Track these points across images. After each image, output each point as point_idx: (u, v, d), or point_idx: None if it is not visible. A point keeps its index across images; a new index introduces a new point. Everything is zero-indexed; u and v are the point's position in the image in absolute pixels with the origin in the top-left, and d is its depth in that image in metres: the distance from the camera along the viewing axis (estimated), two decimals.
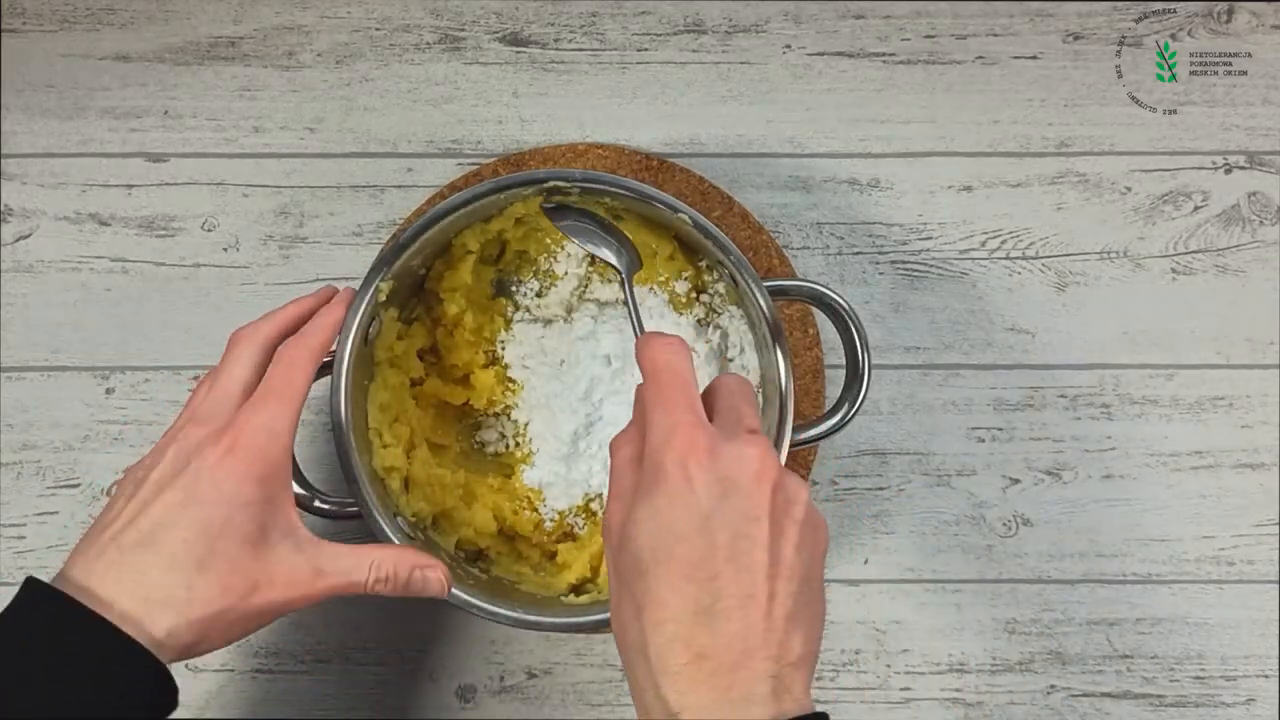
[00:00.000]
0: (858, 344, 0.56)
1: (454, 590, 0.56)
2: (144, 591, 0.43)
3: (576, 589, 0.61)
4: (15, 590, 0.44)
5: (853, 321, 0.56)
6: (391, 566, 0.50)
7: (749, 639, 0.40)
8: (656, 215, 0.58)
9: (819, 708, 0.42)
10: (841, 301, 0.56)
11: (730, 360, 0.63)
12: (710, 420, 0.44)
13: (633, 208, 0.58)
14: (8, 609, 0.43)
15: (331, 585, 0.48)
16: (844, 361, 0.56)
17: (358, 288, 0.57)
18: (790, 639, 0.41)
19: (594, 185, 0.56)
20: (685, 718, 0.40)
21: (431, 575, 0.51)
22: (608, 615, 0.56)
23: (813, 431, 0.56)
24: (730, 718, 0.39)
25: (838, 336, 0.60)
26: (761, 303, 0.55)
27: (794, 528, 0.42)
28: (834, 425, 0.56)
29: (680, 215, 0.55)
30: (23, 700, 0.41)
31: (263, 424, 0.47)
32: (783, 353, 0.55)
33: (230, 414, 0.48)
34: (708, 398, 0.46)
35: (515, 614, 0.57)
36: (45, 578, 0.44)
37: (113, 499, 0.47)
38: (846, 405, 0.56)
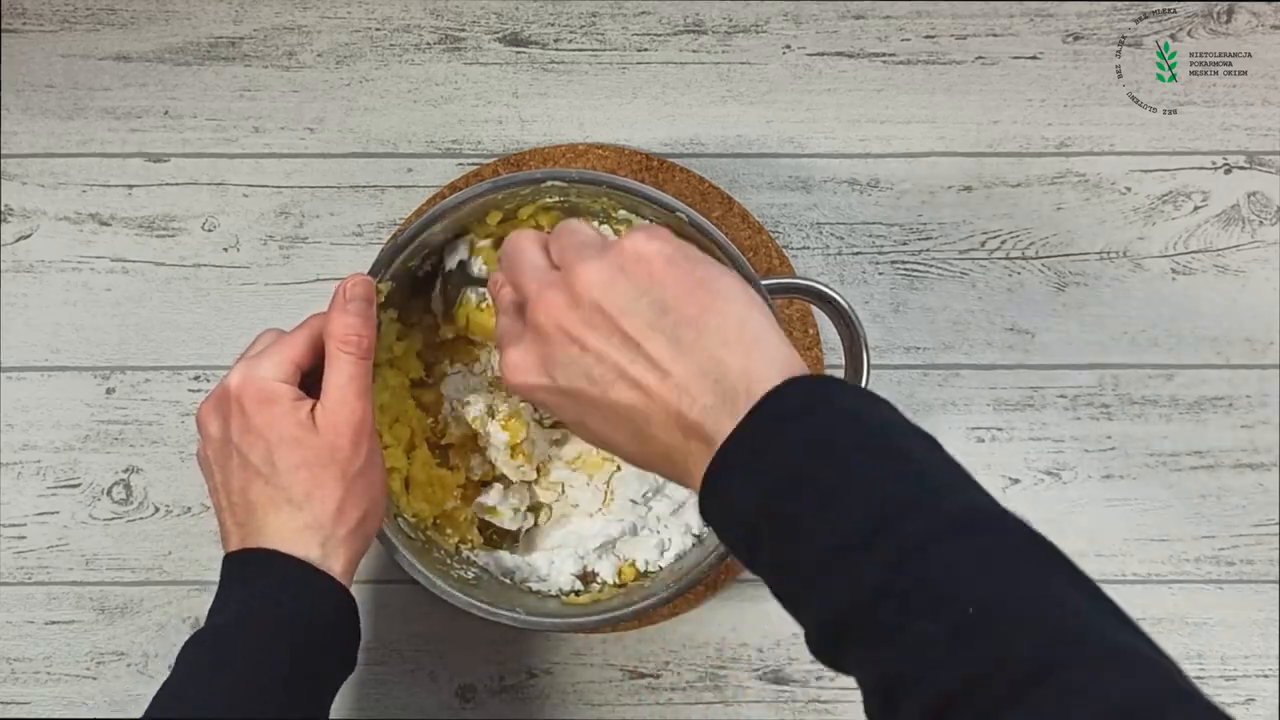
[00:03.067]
0: (857, 342, 0.56)
1: (454, 591, 0.57)
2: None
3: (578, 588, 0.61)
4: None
5: (852, 320, 0.56)
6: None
7: (672, 411, 0.41)
8: (653, 215, 0.58)
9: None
10: (841, 300, 0.56)
11: None
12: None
13: (631, 208, 0.58)
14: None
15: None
16: (844, 362, 0.56)
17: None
18: (698, 362, 0.41)
19: (591, 185, 0.56)
20: (699, 487, 0.41)
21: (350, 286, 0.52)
22: (608, 615, 0.57)
23: None
24: (713, 458, 0.40)
25: (838, 336, 0.60)
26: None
27: (609, 305, 0.42)
28: None
29: (678, 214, 0.55)
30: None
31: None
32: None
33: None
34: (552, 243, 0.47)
35: (515, 614, 0.57)
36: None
37: None
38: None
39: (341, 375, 0.50)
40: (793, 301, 0.65)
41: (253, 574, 0.50)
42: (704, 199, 0.65)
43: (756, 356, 0.41)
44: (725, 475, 0.39)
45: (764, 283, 0.55)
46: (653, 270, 0.42)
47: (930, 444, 0.40)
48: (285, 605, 0.48)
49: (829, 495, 0.37)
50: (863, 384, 0.56)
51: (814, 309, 0.66)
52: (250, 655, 0.47)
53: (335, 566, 0.50)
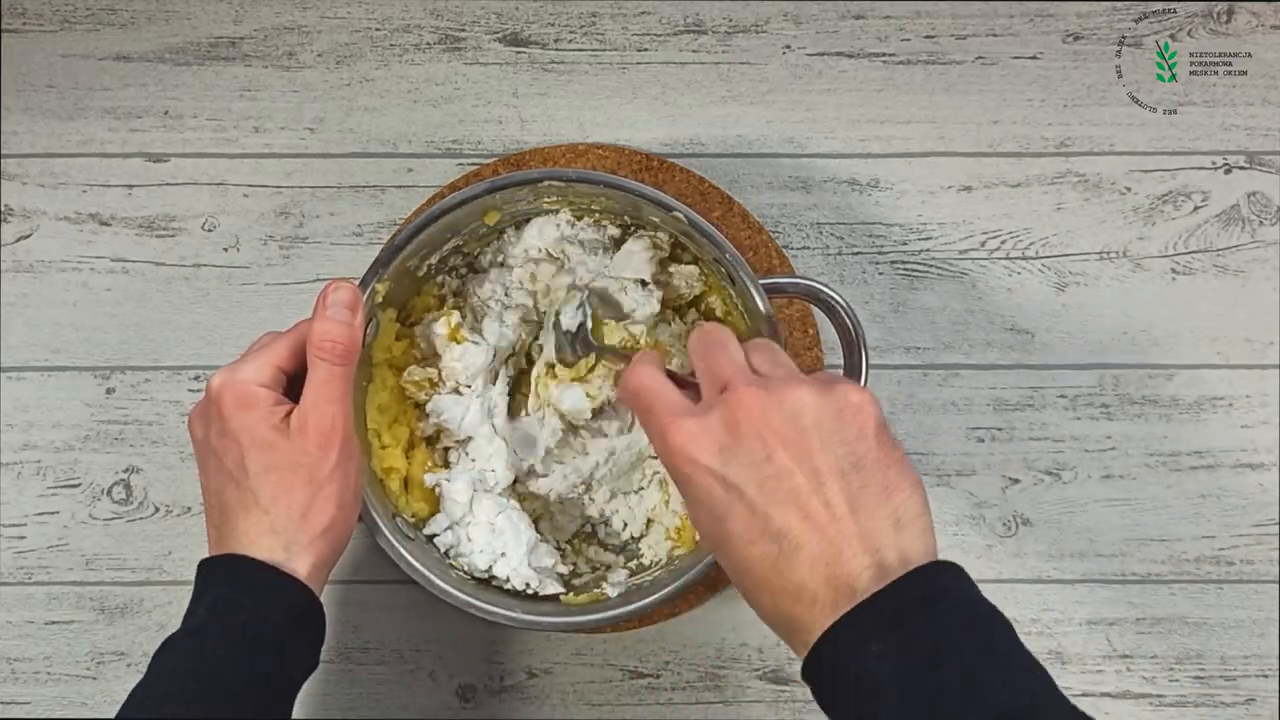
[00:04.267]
0: (855, 342, 0.56)
1: (453, 590, 0.57)
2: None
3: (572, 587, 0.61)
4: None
5: (850, 319, 0.56)
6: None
7: (827, 553, 0.42)
8: (653, 215, 0.58)
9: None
10: (839, 299, 0.55)
11: None
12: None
13: (627, 208, 0.58)
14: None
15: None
16: (843, 362, 0.56)
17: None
18: (869, 525, 0.42)
19: (590, 184, 0.56)
20: (815, 637, 0.41)
21: (334, 294, 0.52)
22: (607, 615, 0.57)
23: None
24: (845, 612, 0.41)
25: (837, 336, 0.60)
26: (759, 302, 0.55)
27: (810, 436, 0.43)
28: None
29: (675, 214, 0.55)
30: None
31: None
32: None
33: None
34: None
35: (514, 614, 0.57)
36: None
37: None
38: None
39: (316, 380, 0.51)
40: (792, 301, 0.65)
41: (219, 578, 0.50)
42: (704, 199, 0.65)
43: (915, 544, 0.42)
44: (863, 631, 0.40)
45: (762, 282, 0.55)
46: (865, 429, 0.44)
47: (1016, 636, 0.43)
48: (245, 608, 0.49)
49: (968, 680, 0.39)
50: (861, 382, 0.56)
51: (815, 309, 0.66)
52: (211, 658, 0.48)
53: (301, 569, 0.50)
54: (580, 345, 0.59)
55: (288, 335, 0.53)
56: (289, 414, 0.51)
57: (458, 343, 0.60)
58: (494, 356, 0.61)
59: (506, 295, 0.62)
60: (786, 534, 0.42)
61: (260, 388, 0.51)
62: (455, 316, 0.61)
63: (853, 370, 0.56)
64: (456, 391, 0.61)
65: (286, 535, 0.50)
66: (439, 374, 0.61)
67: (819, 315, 0.66)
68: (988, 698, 0.39)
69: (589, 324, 0.59)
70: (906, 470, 0.44)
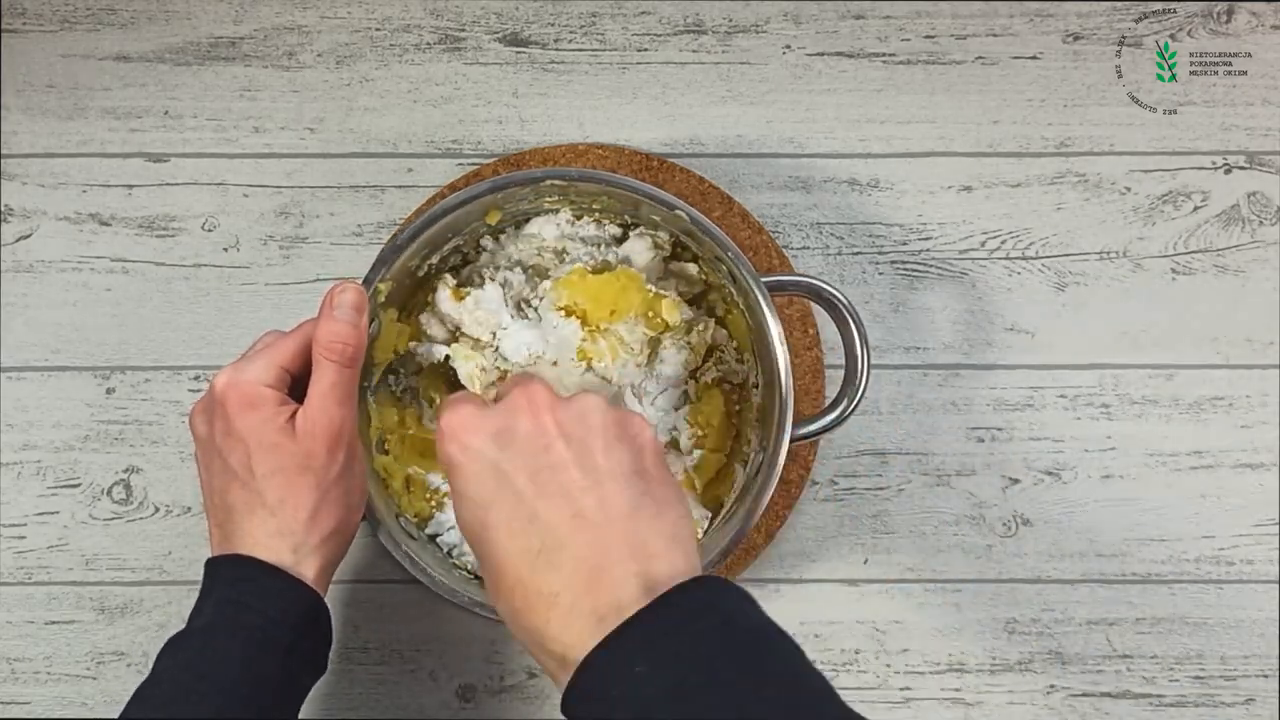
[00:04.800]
0: (856, 339, 0.56)
1: (456, 588, 0.57)
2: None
3: None
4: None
5: (851, 316, 0.56)
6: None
7: (592, 556, 0.40)
8: (653, 213, 0.58)
9: None
10: (840, 296, 0.56)
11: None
12: None
13: (631, 207, 0.58)
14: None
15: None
16: (843, 361, 0.56)
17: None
18: (644, 533, 0.40)
19: (591, 183, 0.56)
20: (574, 656, 0.39)
21: (340, 296, 0.52)
22: None
23: (811, 427, 0.56)
24: (610, 632, 0.38)
25: (837, 336, 0.60)
26: (761, 300, 0.55)
27: (595, 435, 0.42)
28: (833, 420, 0.56)
29: (677, 212, 0.55)
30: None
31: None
32: (782, 351, 0.55)
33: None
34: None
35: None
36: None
37: None
38: (845, 401, 0.56)
39: (324, 382, 0.50)
40: (793, 301, 0.65)
41: (226, 578, 0.50)
42: (704, 199, 0.65)
43: (683, 564, 0.41)
44: (627, 651, 0.38)
45: (764, 280, 0.55)
46: (646, 447, 0.44)
47: (799, 652, 0.40)
48: (254, 609, 0.48)
49: (735, 693, 0.37)
50: (860, 383, 0.56)
51: (815, 308, 0.66)
52: (219, 658, 0.47)
53: (308, 572, 0.50)
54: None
55: (292, 335, 0.53)
56: (294, 415, 0.50)
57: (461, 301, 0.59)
58: (506, 291, 0.60)
59: (503, 272, 0.61)
60: (552, 529, 0.40)
61: (266, 388, 0.51)
62: (449, 279, 0.60)
63: (853, 366, 0.56)
64: (494, 348, 0.59)
65: (294, 538, 0.50)
66: (470, 341, 0.59)
67: (819, 315, 0.66)
68: (754, 708, 0.36)
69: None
70: (682, 495, 0.43)
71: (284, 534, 0.50)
